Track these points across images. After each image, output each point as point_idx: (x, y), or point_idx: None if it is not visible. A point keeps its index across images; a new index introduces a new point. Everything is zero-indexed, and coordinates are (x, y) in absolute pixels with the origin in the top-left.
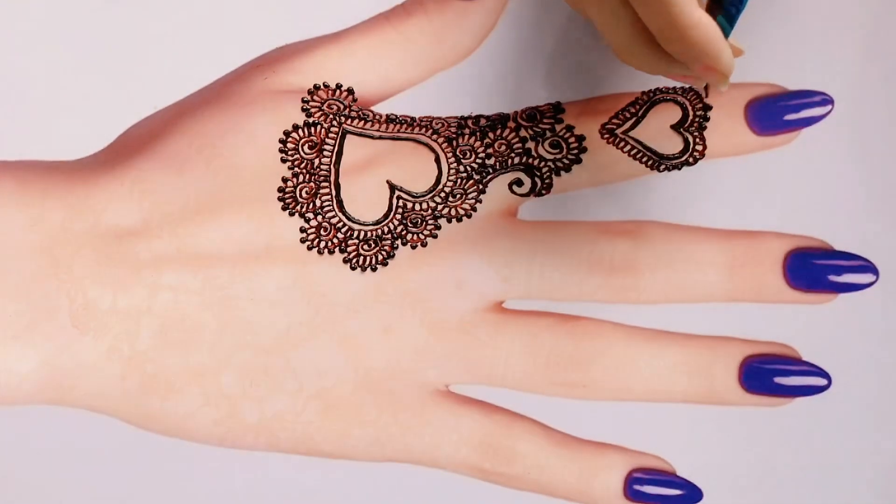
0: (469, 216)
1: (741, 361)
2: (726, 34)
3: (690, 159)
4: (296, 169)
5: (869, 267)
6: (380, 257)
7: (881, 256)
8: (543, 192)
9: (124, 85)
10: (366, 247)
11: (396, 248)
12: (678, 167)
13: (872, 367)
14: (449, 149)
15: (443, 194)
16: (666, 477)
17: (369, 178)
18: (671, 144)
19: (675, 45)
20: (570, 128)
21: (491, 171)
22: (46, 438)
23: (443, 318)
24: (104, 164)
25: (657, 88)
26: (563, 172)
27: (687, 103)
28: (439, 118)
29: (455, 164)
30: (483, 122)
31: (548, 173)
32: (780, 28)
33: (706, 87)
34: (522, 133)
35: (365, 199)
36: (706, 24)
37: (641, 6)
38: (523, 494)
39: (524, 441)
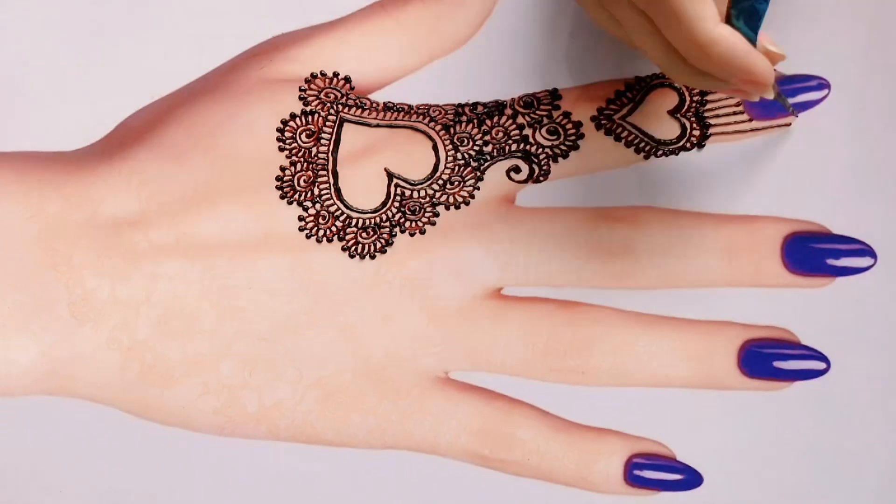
0: (467, 203)
1: (740, 346)
2: (752, 41)
3: (688, 145)
4: (293, 158)
5: (867, 250)
6: (378, 245)
7: (879, 240)
8: (541, 178)
9: (122, 75)
10: (364, 234)
11: (395, 235)
12: (675, 153)
13: (871, 351)
14: (446, 136)
15: (440, 182)
16: (666, 462)
17: (367, 166)
18: (668, 130)
19: (703, 63)
20: (567, 114)
21: (488, 158)
22: (46, 428)
23: (442, 305)
24: (102, 154)
25: (654, 74)
26: (560, 159)
27: (684, 88)
28: (436, 106)
29: (453, 152)
30: (480, 109)
31: (545, 160)
32: (779, 14)
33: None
34: (520, 120)
35: (363, 187)
36: (727, 38)
37: (663, 28)
38: (523, 480)
39: (524, 427)
